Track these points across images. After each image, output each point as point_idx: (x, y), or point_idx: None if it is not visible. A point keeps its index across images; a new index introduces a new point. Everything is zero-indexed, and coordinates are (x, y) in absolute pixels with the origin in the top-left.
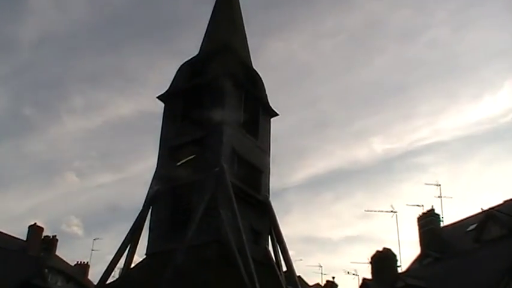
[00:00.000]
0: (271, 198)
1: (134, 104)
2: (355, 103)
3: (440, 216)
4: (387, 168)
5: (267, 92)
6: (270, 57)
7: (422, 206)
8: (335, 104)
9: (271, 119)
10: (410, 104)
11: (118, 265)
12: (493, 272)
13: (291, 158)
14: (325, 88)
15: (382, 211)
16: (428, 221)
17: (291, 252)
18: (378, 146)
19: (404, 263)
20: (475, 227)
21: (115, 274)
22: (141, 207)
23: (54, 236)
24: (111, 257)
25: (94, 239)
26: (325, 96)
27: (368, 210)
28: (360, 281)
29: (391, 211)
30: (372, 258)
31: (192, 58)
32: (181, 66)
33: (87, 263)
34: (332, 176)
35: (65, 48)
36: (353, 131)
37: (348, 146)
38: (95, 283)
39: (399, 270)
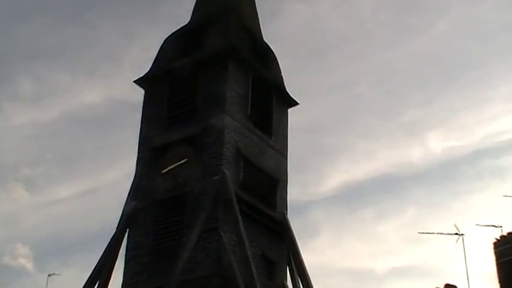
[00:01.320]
0: (290, 216)
1: (104, 89)
2: (404, 85)
3: None
4: (449, 174)
5: (282, 73)
6: (286, 25)
7: (501, 227)
8: (376, 86)
9: (289, 110)
10: (484, 85)
11: None
12: None
13: (317, 161)
14: (363, 65)
15: (442, 233)
16: (509, 249)
17: None
18: (436, 143)
19: None
20: None
21: None
22: (113, 231)
23: None
24: None
25: (49, 275)
26: (363, 77)
27: (423, 233)
28: None
29: (456, 233)
30: None
31: (181, 28)
32: (166, 39)
33: None
34: (374, 185)
35: (7, 14)
36: (402, 123)
37: (395, 144)
38: None
39: None
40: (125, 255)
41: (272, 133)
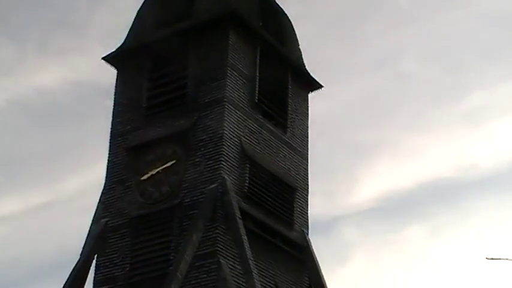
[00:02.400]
0: (312, 236)
1: (62, 69)
2: (466, 60)
3: None
4: None
5: (301, 47)
6: None
7: None
8: (428, 62)
9: (310, 95)
10: None
11: None
12: None
13: (347, 163)
14: (410, 34)
15: None
16: None
17: None
18: (509, 139)
19: None
20: None
21: None
22: (77, 258)
23: None
24: None
25: None
26: (410, 49)
27: (494, 259)
28: None
29: None
30: None
31: None
32: (145, 2)
33: None
34: (426, 193)
35: None
36: (464, 111)
37: (454, 139)
38: None
39: None
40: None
41: (287, 126)
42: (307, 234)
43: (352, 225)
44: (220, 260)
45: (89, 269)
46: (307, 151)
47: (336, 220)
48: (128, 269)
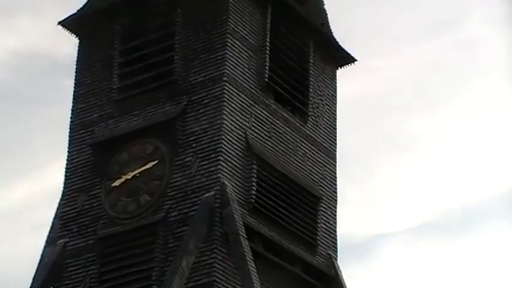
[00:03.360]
0: (342, 262)
1: (7, 36)
2: None
3: None
4: None
5: (326, 7)
6: None
7: None
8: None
9: (339, 71)
10: None
11: None
12: None
13: (390, 163)
14: None
15: None
16: None
17: None
18: None
19: None
20: None
21: None
22: None
23: None
24: None
25: None
26: (477, 8)
27: None
28: None
29: None
30: None
31: None
32: None
33: None
34: (501, 203)
35: None
36: None
37: None
38: None
39: None
40: None
41: (309, 114)
42: (335, 259)
43: (398, 247)
44: None
45: None
46: (335, 147)
47: (375, 240)
48: None
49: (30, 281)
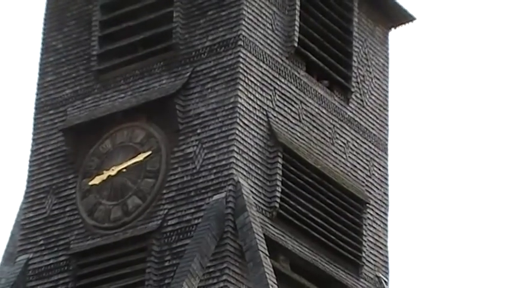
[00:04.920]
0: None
1: None
2: None
3: None
4: None
5: None
6: None
7: None
8: None
9: (392, 33)
10: None
11: None
12: None
13: (462, 155)
14: None
15: None
16: None
17: None
18: None
19: None
20: None
21: None
22: None
23: None
24: None
25: None
26: None
27: None
28: None
29: None
30: None
31: None
32: None
33: None
34: None
35: None
36: None
37: None
38: None
39: None
40: None
41: (352, 90)
42: (387, 283)
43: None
44: None
45: None
46: (387, 135)
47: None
48: None
49: None
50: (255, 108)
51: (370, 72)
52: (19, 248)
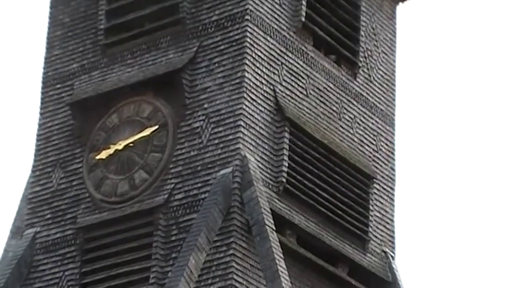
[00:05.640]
0: (402, 262)
1: None
2: None
3: None
4: None
5: None
6: None
7: None
8: None
9: (400, 7)
10: None
11: None
12: None
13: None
14: None
15: None
16: None
17: None
18: None
19: None
20: None
21: None
22: None
23: None
24: None
25: None
26: None
27: None
28: None
29: None
30: None
31: None
32: None
33: None
34: None
35: None
36: None
37: None
38: None
39: None
40: None
41: (359, 65)
42: (393, 258)
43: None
44: None
45: None
46: (394, 110)
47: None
48: None
49: None
50: (262, 83)
51: (378, 47)
52: (26, 221)
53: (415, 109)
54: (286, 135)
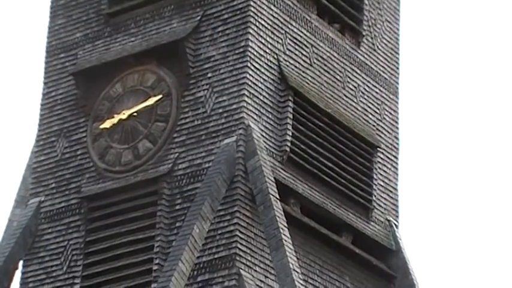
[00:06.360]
0: (406, 231)
1: None
2: None
3: None
4: None
5: None
6: None
7: None
8: None
9: None
10: None
11: None
12: None
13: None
14: None
15: None
16: None
17: None
18: None
19: None
20: None
21: None
22: None
23: None
24: None
25: None
26: None
27: None
28: None
29: None
30: None
31: None
32: None
33: None
34: None
35: None
36: None
37: None
38: None
39: None
40: None
41: (363, 34)
42: (397, 227)
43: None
44: (242, 273)
45: (8, 287)
46: (398, 79)
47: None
48: (78, 286)
49: None
50: (266, 52)
51: (382, 16)
52: (31, 191)
53: (419, 78)
54: (290, 104)
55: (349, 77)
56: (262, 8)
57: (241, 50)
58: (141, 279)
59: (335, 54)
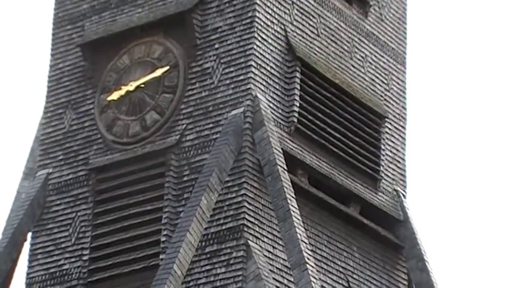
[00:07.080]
0: (414, 201)
1: None
2: None
3: None
4: None
5: None
6: None
7: None
8: None
9: None
10: None
11: None
12: None
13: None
14: None
15: None
16: None
17: None
18: None
19: None
20: None
21: None
22: None
23: None
24: None
25: None
26: None
27: None
28: None
29: None
30: None
31: None
32: None
33: None
34: None
35: None
36: None
37: None
38: None
39: None
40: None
41: (370, 4)
42: (405, 197)
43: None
44: (250, 243)
45: (17, 259)
46: (405, 48)
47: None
48: (86, 258)
49: (3, 224)
50: (273, 23)
51: None
52: (39, 163)
53: (427, 48)
54: (298, 75)
55: (356, 47)
56: None
57: (248, 20)
58: (149, 251)
59: (342, 25)
